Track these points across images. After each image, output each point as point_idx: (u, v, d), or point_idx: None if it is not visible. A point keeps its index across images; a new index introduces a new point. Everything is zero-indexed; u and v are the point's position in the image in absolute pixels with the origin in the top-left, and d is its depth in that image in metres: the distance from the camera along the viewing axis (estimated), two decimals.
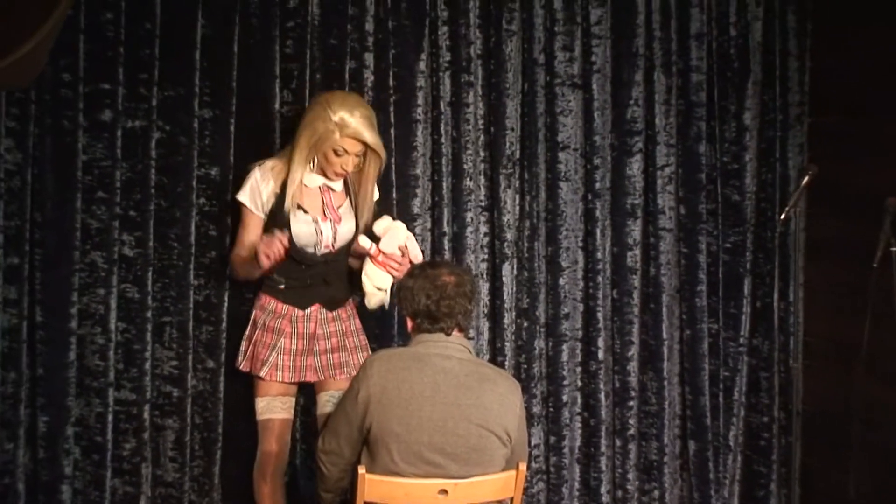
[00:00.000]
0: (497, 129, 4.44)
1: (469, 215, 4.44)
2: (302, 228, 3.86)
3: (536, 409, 4.58)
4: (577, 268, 4.60)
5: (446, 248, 4.40)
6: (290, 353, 3.95)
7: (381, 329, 4.37)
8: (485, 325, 4.53)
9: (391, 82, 4.35)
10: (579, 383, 4.64)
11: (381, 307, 3.86)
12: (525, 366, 4.55)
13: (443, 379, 3.22)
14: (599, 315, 4.57)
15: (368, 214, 3.92)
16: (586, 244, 4.58)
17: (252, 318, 4.01)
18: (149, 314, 4.20)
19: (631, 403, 4.63)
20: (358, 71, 4.31)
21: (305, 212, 3.84)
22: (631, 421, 4.63)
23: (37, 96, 4.03)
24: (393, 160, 4.32)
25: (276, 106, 4.25)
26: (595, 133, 4.53)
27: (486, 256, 4.49)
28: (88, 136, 4.13)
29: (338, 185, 3.88)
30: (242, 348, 4.01)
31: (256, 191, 3.84)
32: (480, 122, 4.45)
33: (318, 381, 4.02)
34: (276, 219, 3.84)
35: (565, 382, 4.60)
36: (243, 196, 3.86)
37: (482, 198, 4.48)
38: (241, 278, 3.91)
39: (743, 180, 4.68)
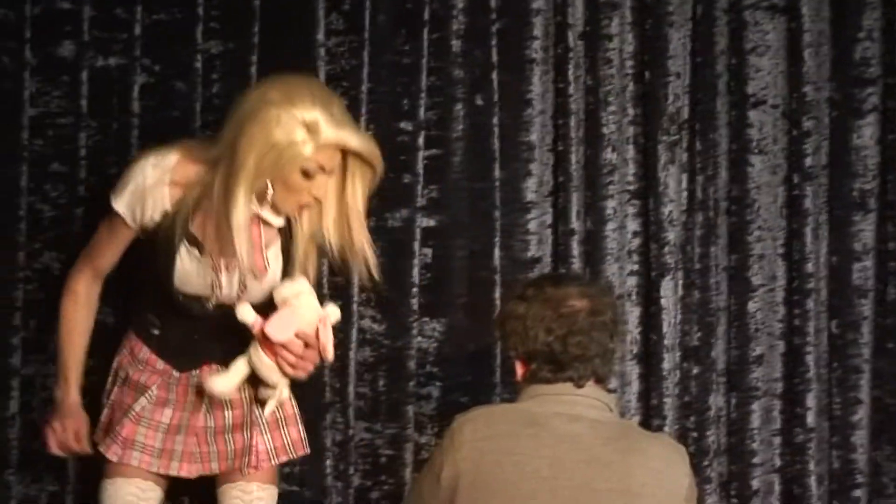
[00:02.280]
0: (654, 74, 4.03)
1: (611, 205, 4.03)
2: (189, 272, 3.35)
3: (711, 501, 4.13)
4: (775, 287, 4.12)
5: (574, 253, 3.99)
6: (160, 428, 3.43)
7: (476, 374, 3.96)
8: (633, 371, 4.11)
9: (494, 2, 3.97)
10: (777, 462, 4.11)
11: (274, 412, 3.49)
12: (695, 433, 4.06)
13: (568, 451, 2.90)
14: (809, 359, 4.07)
15: (366, 259, 3.44)
16: (789, 251, 4.11)
17: (115, 364, 3.52)
18: None
19: (857, 494, 4.12)
20: None
21: (200, 251, 3.34)
22: None
23: None
24: (496, 120, 3.93)
25: (320, 36, 3.88)
26: (805, 82, 4.06)
27: (635, 268, 4.08)
28: (39, 80, 3.86)
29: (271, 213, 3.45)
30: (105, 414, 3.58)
31: (140, 196, 3.31)
32: (629, 63, 4.05)
33: (219, 475, 3.54)
34: (153, 244, 3.36)
35: (756, 460, 4.08)
36: (119, 200, 3.33)
37: (631, 178, 4.07)
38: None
39: None
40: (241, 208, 3.26)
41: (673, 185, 4.01)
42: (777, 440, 4.06)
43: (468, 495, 2.93)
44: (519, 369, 3.09)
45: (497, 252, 3.84)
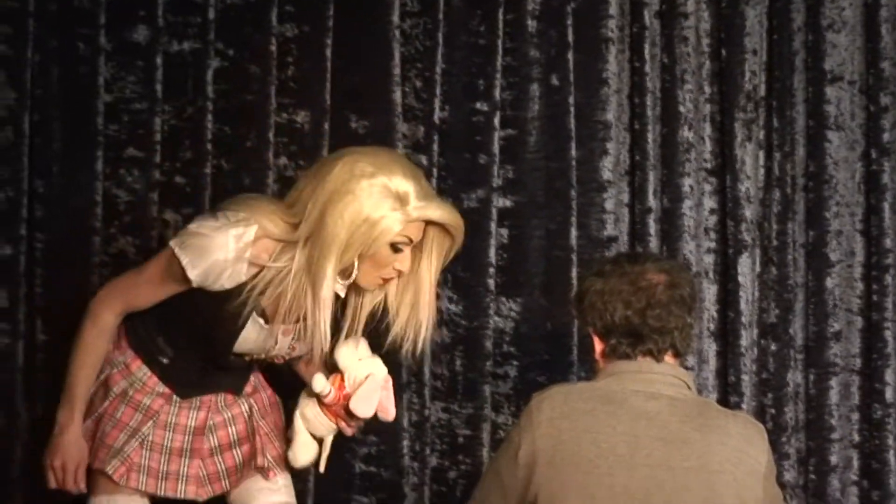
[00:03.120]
0: (731, 52, 4.04)
1: (688, 182, 4.03)
2: (251, 338, 3.27)
3: (789, 476, 4.11)
4: (853, 262, 4.10)
5: (652, 231, 3.99)
6: (164, 450, 3.33)
7: (553, 353, 3.95)
8: (710, 349, 4.11)
9: None
10: (856, 437, 4.10)
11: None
12: (773, 411, 4.07)
13: (646, 428, 2.92)
14: (888, 334, 4.05)
15: (419, 333, 3.35)
16: (868, 227, 4.09)
17: (103, 377, 3.36)
18: None
19: None
20: None
21: (265, 321, 3.26)
22: None
23: (37, 6, 3.82)
24: (572, 99, 3.93)
25: (395, 18, 3.89)
26: (883, 57, 4.04)
27: (713, 245, 4.07)
28: (114, 66, 3.86)
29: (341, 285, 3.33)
30: None
31: (220, 269, 3.18)
32: (705, 41, 4.05)
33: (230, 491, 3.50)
34: (217, 310, 3.23)
35: (835, 436, 4.09)
36: (194, 268, 3.16)
37: (707, 156, 4.06)
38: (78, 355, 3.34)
39: None
40: (330, 283, 3.21)
41: (750, 162, 4.02)
42: (855, 416, 4.07)
43: (546, 473, 2.93)
44: (597, 346, 3.09)
45: (573, 231, 3.84)
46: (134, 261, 3.79)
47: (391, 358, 3.74)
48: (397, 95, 3.85)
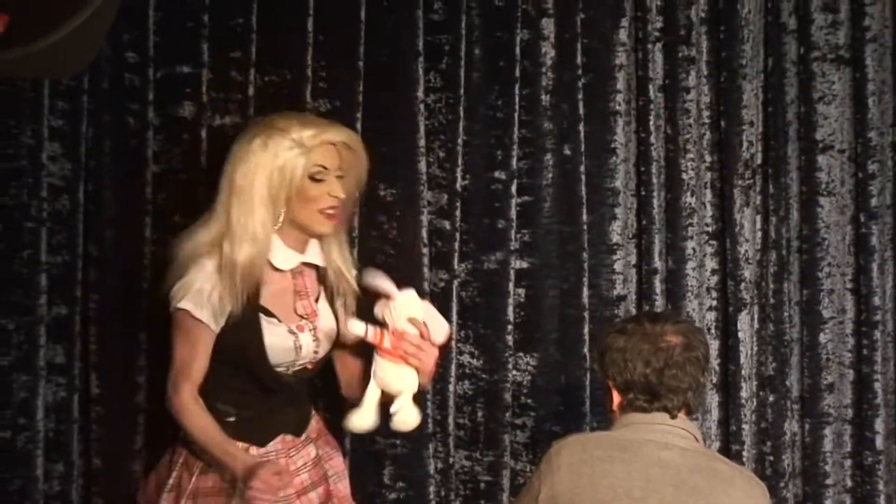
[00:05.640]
0: (729, 123, 4.06)
1: (690, 245, 4.06)
2: (276, 343, 3.28)
3: None
4: (844, 319, 4.15)
5: (657, 290, 4.03)
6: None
7: (567, 405, 3.96)
8: (713, 400, 4.11)
9: (579, 59, 3.98)
10: (849, 483, 4.14)
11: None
12: (771, 457, 4.09)
13: (660, 475, 2.96)
14: (877, 386, 4.08)
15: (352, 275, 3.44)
16: (857, 285, 4.13)
17: (182, 459, 3.35)
18: None
19: None
20: (533, 44, 3.96)
21: (277, 319, 3.29)
22: None
23: (91, 85, 3.79)
24: (583, 168, 3.94)
25: (420, 94, 3.89)
26: (870, 127, 4.07)
27: (714, 303, 4.10)
28: (162, 139, 3.88)
29: (313, 254, 3.35)
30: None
31: (207, 292, 3.25)
32: (706, 113, 4.08)
33: None
34: (237, 337, 3.27)
35: (829, 482, 4.11)
36: (188, 302, 3.24)
37: (709, 220, 4.10)
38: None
39: None
40: (265, 234, 3.23)
41: (748, 226, 4.04)
42: (848, 462, 4.09)
43: None
44: (615, 398, 3.12)
45: (585, 290, 3.84)
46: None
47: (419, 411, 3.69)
48: (422, 165, 3.82)
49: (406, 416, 3.29)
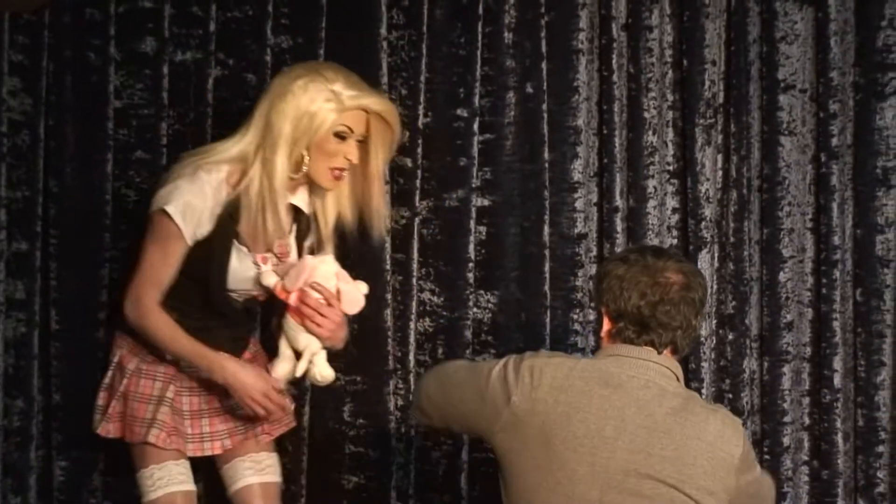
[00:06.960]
0: (692, 62, 4.03)
1: (651, 184, 4.03)
2: (238, 270, 3.35)
3: None
4: (804, 258, 4.08)
5: (618, 229, 4.00)
6: (185, 415, 3.42)
7: (528, 343, 3.89)
8: None
9: None
10: (807, 420, 4.09)
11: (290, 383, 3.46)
12: (730, 395, 4.05)
13: (634, 416, 2.98)
14: (836, 325, 4.04)
15: (379, 217, 3.53)
16: (818, 225, 4.05)
17: (116, 359, 3.44)
18: None
19: (880, 450, 4.00)
20: None
21: (247, 248, 3.34)
22: (880, 474, 4.03)
23: (52, 19, 3.86)
24: (545, 107, 3.92)
25: (382, 31, 3.90)
26: (832, 67, 4.01)
27: (675, 242, 4.06)
28: (123, 74, 3.91)
29: (301, 198, 3.42)
30: (100, 402, 3.45)
31: (195, 207, 3.27)
32: (668, 52, 4.05)
33: (228, 452, 3.53)
34: (204, 253, 3.31)
35: (787, 419, 4.06)
36: (174, 208, 3.24)
37: (670, 159, 4.07)
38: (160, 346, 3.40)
39: None
40: (281, 174, 3.28)
41: (709, 165, 4.05)
42: (806, 400, 4.10)
43: (530, 440, 2.98)
44: (605, 325, 3.13)
45: (546, 229, 3.85)
46: None
47: (380, 348, 3.83)
48: None
49: (316, 375, 3.35)
